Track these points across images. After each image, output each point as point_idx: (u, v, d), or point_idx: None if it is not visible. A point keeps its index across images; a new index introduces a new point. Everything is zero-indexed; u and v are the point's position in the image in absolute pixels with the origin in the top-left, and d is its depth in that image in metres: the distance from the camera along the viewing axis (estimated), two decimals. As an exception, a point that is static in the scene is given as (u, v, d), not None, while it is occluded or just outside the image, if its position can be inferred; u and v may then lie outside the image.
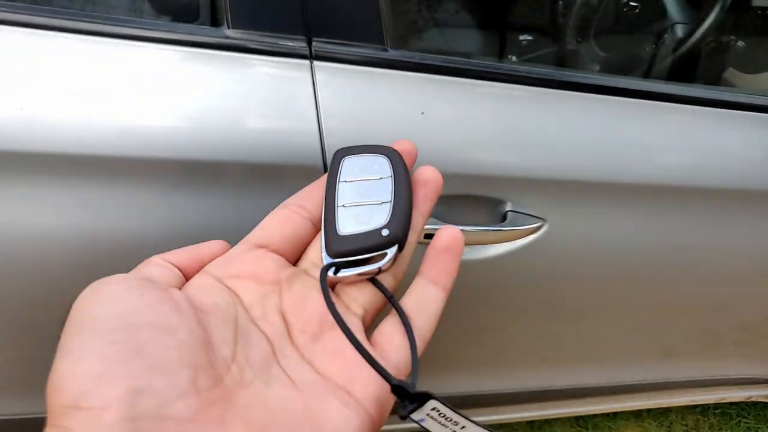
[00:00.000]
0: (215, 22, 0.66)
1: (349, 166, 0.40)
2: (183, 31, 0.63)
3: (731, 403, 1.56)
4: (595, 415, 1.51)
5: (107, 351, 0.26)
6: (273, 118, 0.65)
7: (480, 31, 1.34)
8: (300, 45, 0.66)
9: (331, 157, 0.42)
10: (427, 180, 0.40)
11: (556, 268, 0.84)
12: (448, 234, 0.37)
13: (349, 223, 0.36)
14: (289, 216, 0.39)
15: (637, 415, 1.54)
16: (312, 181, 0.68)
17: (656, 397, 1.25)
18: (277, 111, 0.65)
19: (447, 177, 0.74)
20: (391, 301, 0.36)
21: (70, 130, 0.59)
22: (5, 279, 0.65)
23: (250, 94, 0.64)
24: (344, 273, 0.35)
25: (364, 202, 0.37)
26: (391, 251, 0.35)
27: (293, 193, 0.69)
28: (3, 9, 0.59)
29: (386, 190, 0.38)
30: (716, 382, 1.24)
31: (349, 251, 0.35)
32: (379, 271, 0.36)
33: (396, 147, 0.42)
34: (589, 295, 0.92)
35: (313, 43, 0.66)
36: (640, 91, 0.80)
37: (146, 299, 0.29)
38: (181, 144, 0.62)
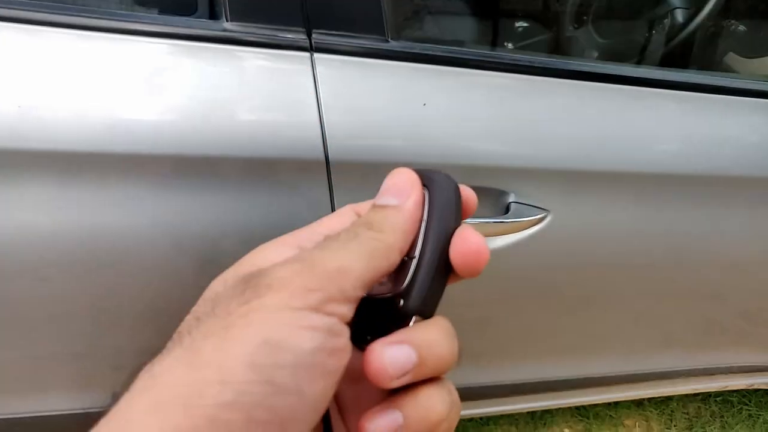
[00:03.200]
0: (213, 15, 0.65)
1: None
2: (181, 25, 0.62)
3: (732, 391, 1.56)
4: (596, 405, 1.51)
5: None
6: (273, 111, 0.64)
7: (478, 18, 1.33)
8: (300, 37, 0.65)
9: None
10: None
11: (559, 258, 0.83)
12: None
13: (374, 288, 0.29)
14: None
15: (639, 403, 1.54)
16: (313, 173, 0.68)
17: (657, 385, 1.26)
18: (278, 104, 0.64)
19: (449, 168, 0.74)
20: None
21: (66, 126, 0.58)
22: (6, 278, 0.64)
23: (250, 87, 0.63)
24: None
25: None
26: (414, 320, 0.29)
27: (293, 187, 0.68)
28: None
29: (417, 239, 0.30)
30: (717, 371, 1.24)
31: (365, 318, 0.28)
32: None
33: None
34: (592, 285, 0.92)
35: (313, 35, 0.65)
36: (641, 78, 0.80)
37: None
38: (180, 139, 0.61)
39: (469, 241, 0.29)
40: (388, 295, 0.29)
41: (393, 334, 0.27)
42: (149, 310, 0.71)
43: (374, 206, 0.30)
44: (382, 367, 0.26)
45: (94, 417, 0.23)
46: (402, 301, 0.29)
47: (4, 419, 0.79)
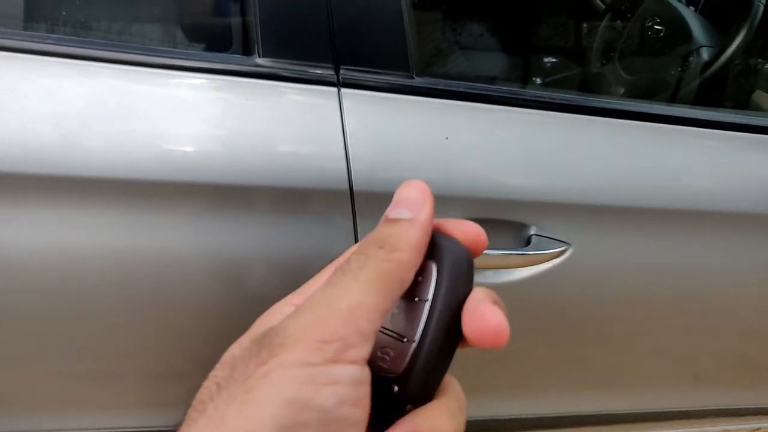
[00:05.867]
0: (247, 51, 0.69)
1: None
2: (216, 60, 0.66)
3: (765, 433, 1.51)
4: (622, 442, 1.48)
5: None
6: (301, 143, 0.66)
7: (504, 53, 1.36)
8: (328, 73, 0.68)
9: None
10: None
11: (581, 291, 0.83)
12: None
13: (372, 357, 0.26)
14: None
15: (666, 443, 1.50)
16: (338, 203, 0.70)
17: (686, 425, 1.22)
18: (306, 137, 0.67)
19: (471, 201, 0.75)
20: None
21: (111, 155, 0.62)
22: (43, 297, 0.67)
23: (280, 120, 0.66)
24: None
25: (390, 332, 0.28)
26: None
27: (319, 216, 0.71)
28: (49, 42, 0.62)
29: (418, 320, 0.27)
30: (748, 411, 1.20)
31: None
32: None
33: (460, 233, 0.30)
34: (616, 319, 0.92)
35: (341, 71, 0.68)
36: (666, 116, 0.81)
37: None
38: (214, 169, 0.64)
39: (487, 319, 0.27)
40: (388, 375, 0.27)
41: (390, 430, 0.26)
42: (178, 334, 0.74)
43: (386, 220, 0.29)
44: None
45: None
46: (397, 388, 0.27)
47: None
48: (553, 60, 1.39)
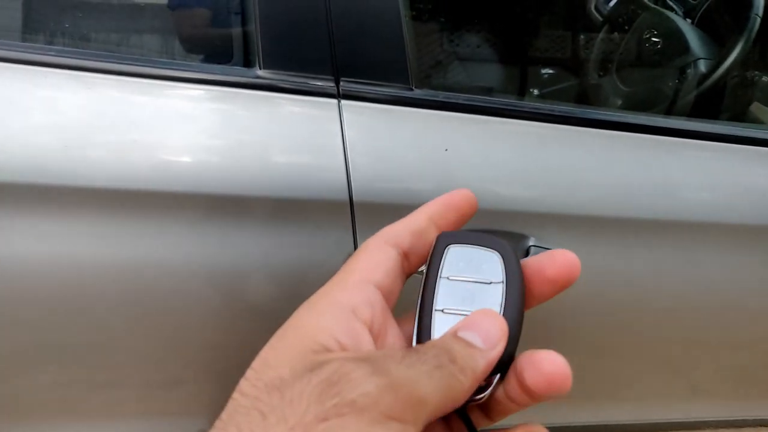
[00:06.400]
0: (248, 63, 0.69)
1: (454, 259, 0.33)
2: (218, 72, 0.66)
3: (763, 444, 1.51)
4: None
5: None
6: (302, 154, 0.67)
7: (502, 65, 1.37)
8: (328, 85, 0.68)
9: (435, 240, 0.33)
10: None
11: (578, 302, 0.84)
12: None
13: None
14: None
15: (664, 454, 1.49)
16: (337, 214, 0.70)
17: (684, 436, 1.22)
18: (306, 148, 0.67)
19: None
20: None
21: (109, 165, 0.62)
22: (42, 305, 0.68)
23: (281, 131, 0.66)
24: None
25: (465, 311, 0.30)
26: (491, 381, 0.29)
27: (319, 226, 0.71)
28: (50, 53, 0.63)
29: (495, 299, 0.31)
30: (745, 423, 1.20)
31: None
32: (470, 401, 0.29)
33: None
34: (613, 330, 0.92)
35: (341, 83, 0.68)
36: (663, 128, 0.81)
37: None
38: (213, 179, 0.64)
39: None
40: None
41: None
42: (178, 342, 0.74)
43: (457, 337, 0.28)
44: None
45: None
46: None
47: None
48: (551, 71, 1.40)
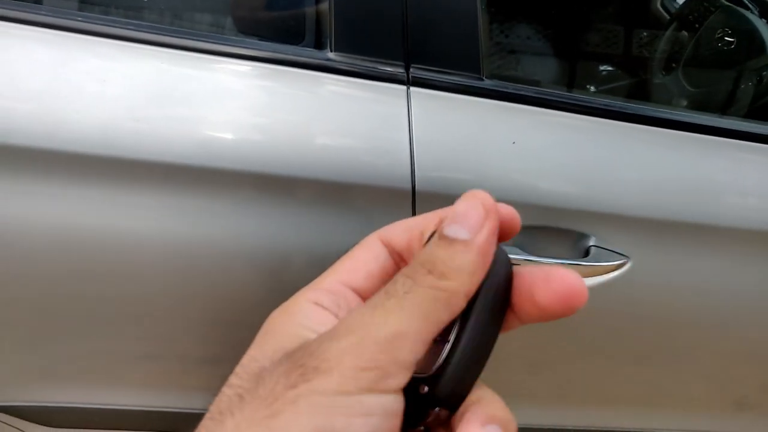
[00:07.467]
0: (319, 45, 0.69)
1: None
2: (289, 53, 0.66)
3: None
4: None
5: None
6: (367, 139, 0.66)
7: (567, 60, 1.34)
8: (398, 71, 0.67)
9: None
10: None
11: (635, 307, 0.82)
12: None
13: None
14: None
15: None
16: (398, 204, 0.70)
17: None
18: (372, 133, 0.66)
19: (533, 207, 0.74)
20: None
21: (165, 140, 0.63)
22: (89, 278, 0.69)
23: (348, 115, 0.66)
24: None
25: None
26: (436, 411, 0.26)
27: (378, 214, 0.70)
28: (107, 23, 0.63)
29: (455, 319, 0.25)
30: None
31: None
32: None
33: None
34: (664, 337, 0.90)
35: (411, 69, 0.68)
36: (737, 131, 0.78)
37: None
38: (280, 159, 0.64)
39: (567, 281, 0.24)
40: (417, 374, 0.25)
41: None
42: (217, 319, 0.75)
43: (440, 238, 0.25)
44: None
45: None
46: (426, 388, 0.25)
47: (81, 408, 0.84)
48: (613, 69, 1.37)
